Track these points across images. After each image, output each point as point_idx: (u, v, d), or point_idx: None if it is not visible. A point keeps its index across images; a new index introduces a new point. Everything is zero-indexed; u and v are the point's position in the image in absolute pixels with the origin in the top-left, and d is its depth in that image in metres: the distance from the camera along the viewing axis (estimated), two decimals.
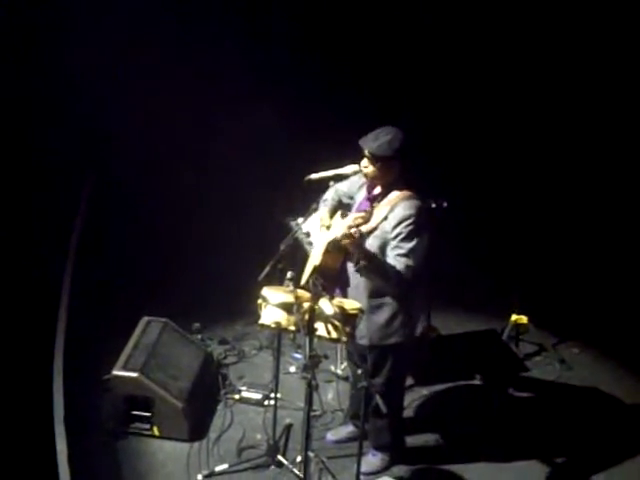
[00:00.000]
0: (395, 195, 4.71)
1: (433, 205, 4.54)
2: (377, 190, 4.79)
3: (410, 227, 4.62)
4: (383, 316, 4.85)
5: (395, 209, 4.65)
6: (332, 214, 5.06)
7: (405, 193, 4.70)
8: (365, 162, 4.70)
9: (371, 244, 4.68)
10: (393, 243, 4.65)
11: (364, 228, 4.60)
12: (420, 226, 4.65)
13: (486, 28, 8.48)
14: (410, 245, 4.62)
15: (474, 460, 5.38)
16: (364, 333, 4.86)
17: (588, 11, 8.05)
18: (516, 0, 8.35)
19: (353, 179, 4.92)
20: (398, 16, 8.68)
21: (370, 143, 4.64)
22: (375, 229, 4.66)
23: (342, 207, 5.02)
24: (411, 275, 4.63)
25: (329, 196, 5.04)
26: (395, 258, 4.63)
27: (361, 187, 4.92)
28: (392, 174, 4.70)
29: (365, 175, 4.75)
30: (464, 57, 8.59)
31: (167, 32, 8.43)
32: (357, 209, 4.87)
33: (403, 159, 4.67)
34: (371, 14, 8.72)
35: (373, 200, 4.78)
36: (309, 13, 8.74)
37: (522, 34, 8.30)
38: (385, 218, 4.66)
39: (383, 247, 4.69)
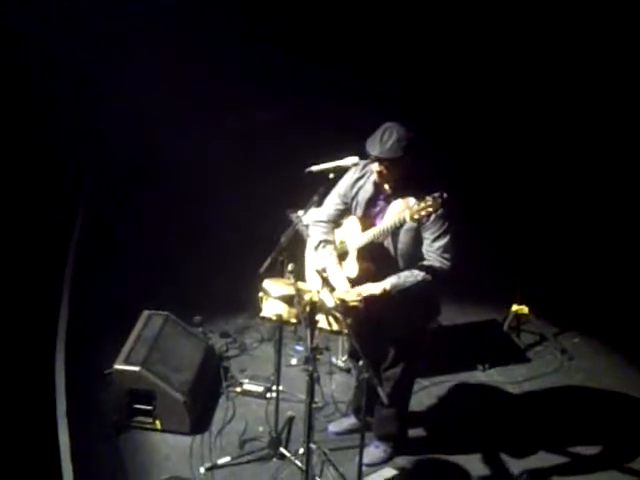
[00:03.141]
0: (413, 187, 4.65)
1: (445, 195, 4.55)
2: (390, 186, 4.75)
3: (441, 213, 4.59)
4: (421, 307, 4.90)
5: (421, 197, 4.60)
6: (337, 226, 5.03)
7: (421, 183, 4.65)
8: (376, 166, 4.67)
9: (404, 240, 4.71)
10: (431, 228, 4.65)
11: (380, 227, 4.67)
12: (448, 213, 4.66)
13: (488, 26, 8.49)
14: (446, 225, 4.65)
15: (476, 450, 5.39)
16: (402, 325, 4.87)
17: (588, 11, 8.05)
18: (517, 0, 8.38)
19: (343, 182, 4.90)
20: (400, 10, 8.69)
21: (378, 148, 4.58)
22: (404, 223, 4.60)
23: (344, 214, 4.98)
24: (450, 253, 4.68)
25: (325, 214, 4.98)
26: (435, 241, 4.66)
27: (356, 184, 4.87)
28: (405, 170, 4.66)
29: (378, 177, 4.71)
30: (466, 53, 8.60)
31: (165, 31, 8.46)
32: (371, 208, 4.81)
33: (413, 152, 4.63)
34: (373, 8, 8.72)
35: (389, 197, 4.75)
36: (308, 8, 8.75)
37: (523, 34, 8.31)
38: None
39: (417, 237, 4.70)
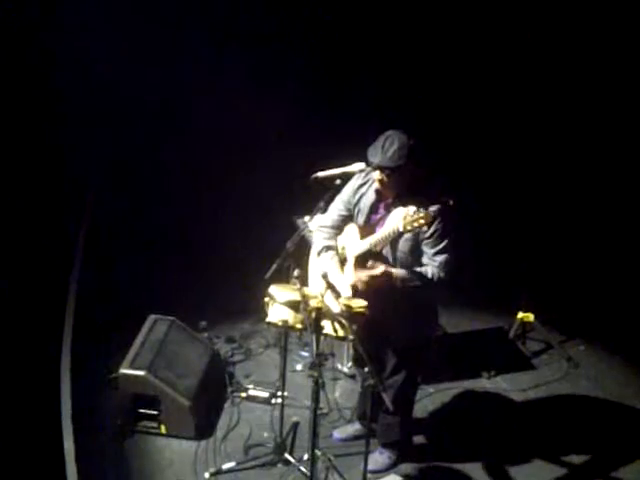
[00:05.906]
0: (414, 196, 4.61)
1: (451, 202, 4.54)
2: (391, 194, 4.73)
3: (444, 222, 4.60)
4: (428, 317, 4.92)
5: (422, 208, 4.56)
6: (340, 232, 5.02)
7: (424, 192, 4.64)
8: (378, 174, 4.65)
9: (403, 249, 4.69)
10: (431, 242, 4.64)
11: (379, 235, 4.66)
12: (450, 222, 4.65)
13: (487, 27, 8.50)
14: (446, 241, 4.64)
15: (480, 458, 5.38)
16: (406, 335, 4.88)
17: (588, 11, 8.06)
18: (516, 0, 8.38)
19: (347, 189, 4.89)
20: (402, 13, 8.71)
21: (380, 156, 4.56)
22: (403, 233, 4.59)
23: (347, 221, 4.96)
24: (450, 269, 4.65)
25: (329, 220, 4.96)
26: (435, 255, 4.65)
27: (358, 191, 4.86)
28: (406, 178, 4.64)
29: (379, 185, 4.69)
30: (466, 56, 8.61)
31: (168, 29, 8.49)
32: (372, 215, 4.79)
33: (415, 160, 4.61)
34: (375, 12, 8.74)
35: (390, 205, 4.73)
36: (314, 12, 8.77)
37: (522, 34, 8.31)
38: None
39: (416, 247, 4.69)
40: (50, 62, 7.96)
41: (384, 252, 4.74)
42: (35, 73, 7.85)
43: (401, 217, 4.48)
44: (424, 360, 5.18)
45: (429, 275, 4.66)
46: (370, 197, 4.81)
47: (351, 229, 4.90)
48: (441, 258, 4.65)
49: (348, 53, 8.73)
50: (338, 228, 4.99)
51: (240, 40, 8.64)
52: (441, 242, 4.64)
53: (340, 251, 4.97)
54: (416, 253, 4.71)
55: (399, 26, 8.74)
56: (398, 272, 4.67)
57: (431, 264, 4.67)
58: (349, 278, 4.81)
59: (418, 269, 4.68)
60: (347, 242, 4.93)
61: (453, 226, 4.66)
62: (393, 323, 4.84)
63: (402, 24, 8.74)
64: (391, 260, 4.74)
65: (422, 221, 4.38)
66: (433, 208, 4.45)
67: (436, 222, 4.58)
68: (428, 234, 4.62)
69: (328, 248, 4.95)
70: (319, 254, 4.97)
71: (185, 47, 8.60)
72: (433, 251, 4.65)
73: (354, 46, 8.73)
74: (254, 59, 8.59)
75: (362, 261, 4.78)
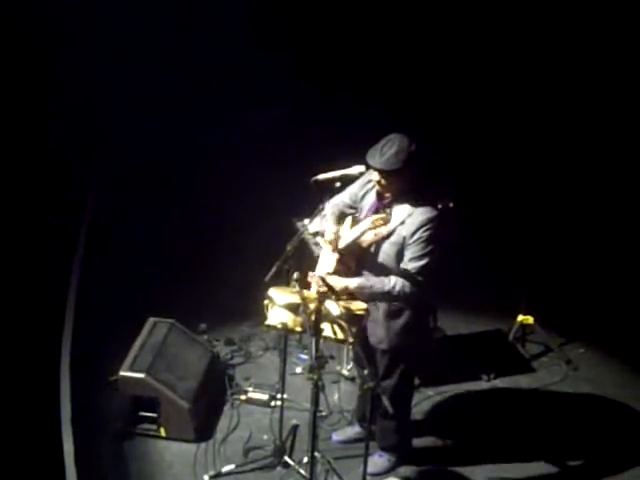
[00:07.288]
0: (411, 200, 4.64)
1: (451, 205, 4.53)
2: (390, 194, 4.73)
3: (429, 231, 4.58)
4: (404, 320, 4.85)
5: (413, 214, 4.60)
6: (338, 221, 5.01)
7: (421, 197, 4.65)
8: (376, 176, 4.67)
9: (387, 251, 4.69)
10: (412, 247, 4.62)
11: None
12: (437, 229, 4.62)
13: (487, 28, 8.51)
14: (428, 248, 4.60)
15: (480, 461, 5.38)
16: (383, 337, 4.87)
17: (588, 11, 8.07)
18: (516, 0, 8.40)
19: (357, 182, 4.90)
20: (403, 17, 8.72)
21: (377, 159, 4.57)
22: (391, 234, 4.62)
23: (347, 215, 4.97)
24: (428, 276, 4.63)
25: (330, 211, 4.97)
26: (410, 260, 4.62)
27: (364, 187, 4.88)
28: (404, 182, 4.64)
29: (378, 186, 4.70)
30: (466, 57, 8.62)
31: (173, 31, 8.51)
32: (372, 213, 4.79)
33: (414, 165, 4.61)
34: (377, 15, 8.76)
35: (386, 206, 4.73)
36: (317, 15, 8.79)
37: (522, 34, 8.32)
38: (402, 223, 4.62)
39: (400, 252, 4.67)
40: (52, 62, 7.98)
41: (372, 251, 4.75)
42: (37, 72, 7.87)
43: (406, 215, 4.55)
44: (418, 363, 5.17)
45: (392, 282, 4.61)
46: (372, 195, 4.84)
47: (348, 221, 4.92)
48: (417, 264, 4.61)
49: (350, 55, 8.75)
50: (346, 207, 4.98)
51: (241, 41, 8.65)
52: (422, 249, 4.61)
53: (334, 236, 4.94)
54: (398, 259, 4.67)
55: (400, 28, 8.76)
56: (358, 283, 4.66)
57: (405, 270, 4.63)
58: (328, 267, 4.79)
59: (381, 278, 4.66)
60: (342, 233, 4.93)
61: (441, 234, 4.64)
62: (381, 325, 4.84)
63: (404, 26, 8.76)
64: (375, 261, 4.74)
65: (381, 221, 4.48)
66: (419, 210, 4.55)
67: (422, 229, 4.58)
68: (413, 239, 4.60)
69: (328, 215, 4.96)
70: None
71: (186, 48, 8.62)
72: (412, 256, 4.62)
73: (356, 48, 8.75)
74: (255, 61, 8.60)
75: (346, 253, 4.79)
